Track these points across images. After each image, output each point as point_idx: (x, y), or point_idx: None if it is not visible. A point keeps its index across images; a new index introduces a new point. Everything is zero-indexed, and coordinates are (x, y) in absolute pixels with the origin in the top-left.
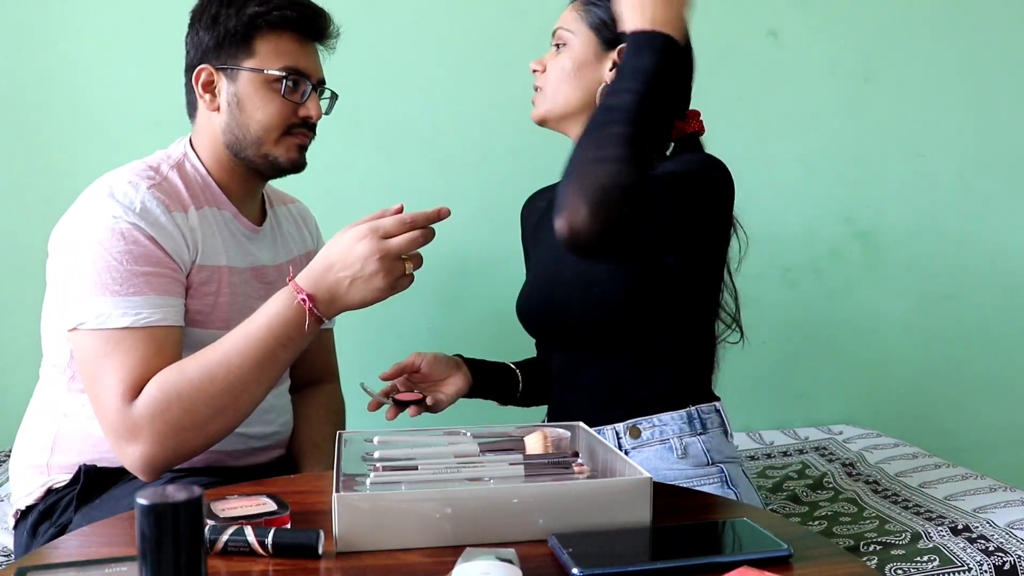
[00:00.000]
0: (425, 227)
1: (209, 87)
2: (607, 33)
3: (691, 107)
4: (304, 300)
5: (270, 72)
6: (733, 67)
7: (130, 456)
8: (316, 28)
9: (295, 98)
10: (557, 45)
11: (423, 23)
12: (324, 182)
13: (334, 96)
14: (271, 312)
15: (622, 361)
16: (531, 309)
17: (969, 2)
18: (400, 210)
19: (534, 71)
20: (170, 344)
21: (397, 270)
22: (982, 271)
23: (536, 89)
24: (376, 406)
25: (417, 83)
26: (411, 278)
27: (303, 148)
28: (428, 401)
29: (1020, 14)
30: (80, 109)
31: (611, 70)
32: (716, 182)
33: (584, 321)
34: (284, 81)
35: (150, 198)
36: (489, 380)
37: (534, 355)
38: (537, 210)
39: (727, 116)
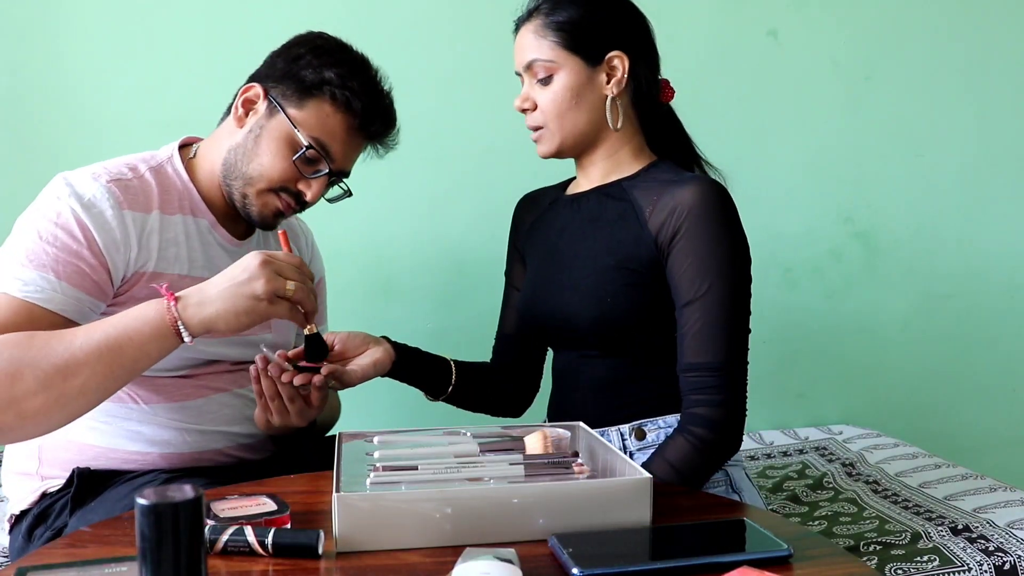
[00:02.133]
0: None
1: (248, 105)
2: (587, 49)
3: (673, 87)
4: (168, 296)
5: (299, 134)
6: (733, 67)
7: None
8: (371, 129)
9: (305, 170)
10: (541, 79)
11: (423, 23)
12: None
13: (347, 193)
14: (135, 311)
15: (627, 362)
16: (536, 311)
17: (969, 2)
18: None
19: (524, 110)
20: (42, 327)
21: (278, 283)
22: (982, 271)
23: (534, 129)
24: (278, 369)
25: (417, 83)
26: (287, 306)
27: (280, 214)
28: (323, 370)
29: (1020, 14)
30: (81, 111)
31: (608, 83)
32: (745, 242)
33: (593, 325)
34: (304, 150)
35: (103, 191)
36: (418, 366)
37: (511, 358)
38: (534, 210)
39: (727, 116)
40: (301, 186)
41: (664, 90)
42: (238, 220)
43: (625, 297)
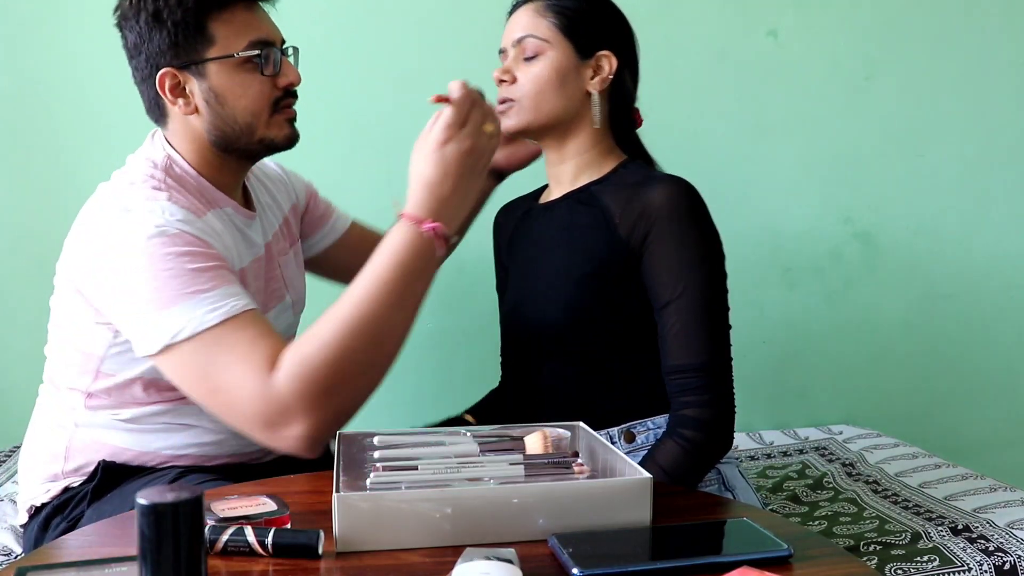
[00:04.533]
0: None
1: (178, 90)
2: (582, 39)
3: (666, 98)
4: (432, 231)
5: (241, 54)
6: (733, 67)
7: (287, 439)
8: None
9: (271, 71)
10: (528, 57)
11: (424, 24)
12: (323, 183)
13: (296, 51)
14: (398, 251)
15: (613, 367)
16: (519, 323)
17: (969, 2)
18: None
19: (501, 81)
20: (269, 324)
21: (486, 143)
22: (982, 271)
23: (504, 101)
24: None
25: (417, 83)
26: (498, 138)
27: (293, 120)
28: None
29: (1020, 14)
30: (82, 109)
31: (592, 79)
32: (717, 240)
33: (575, 335)
34: (259, 57)
35: (175, 208)
36: None
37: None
38: (510, 221)
39: (727, 116)
40: (282, 83)
41: (635, 115)
42: (240, 193)
43: (605, 304)
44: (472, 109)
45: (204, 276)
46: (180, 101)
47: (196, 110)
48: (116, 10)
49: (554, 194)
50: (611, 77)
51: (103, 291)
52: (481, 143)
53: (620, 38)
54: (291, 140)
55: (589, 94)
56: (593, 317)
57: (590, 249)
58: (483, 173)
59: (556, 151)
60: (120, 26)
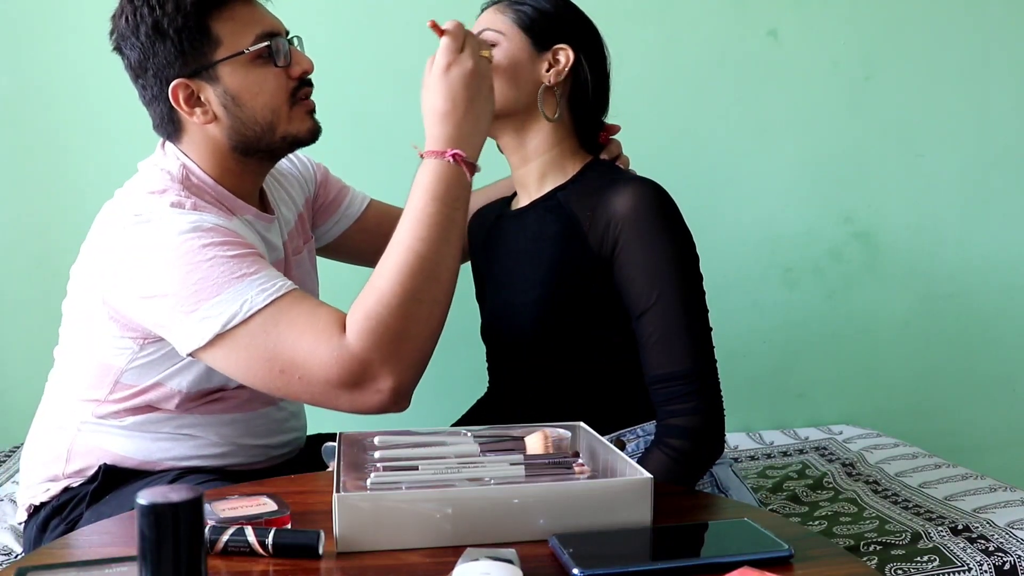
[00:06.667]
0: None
1: (193, 100)
2: (538, 33)
3: (666, 98)
4: (454, 157)
5: (250, 49)
6: (733, 67)
7: (376, 395)
8: None
9: (283, 61)
10: None
11: (423, 22)
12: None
13: (300, 40)
14: (430, 186)
15: (600, 375)
16: (500, 337)
17: (969, 2)
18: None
19: None
20: (318, 299)
21: (486, 66)
22: (982, 271)
23: None
24: None
25: (417, 81)
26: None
27: (313, 111)
28: None
29: (1020, 14)
30: (82, 109)
31: (548, 71)
32: (689, 241)
33: (559, 349)
34: (269, 49)
35: (203, 212)
36: None
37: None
38: (483, 227)
39: (727, 116)
40: (296, 73)
41: (604, 128)
42: (254, 196)
43: (582, 315)
44: (467, 36)
45: (247, 261)
46: (197, 111)
47: (214, 118)
48: (112, 33)
49: (522, 201)
50: (567, 70)
51: (131, 298)
52: (483, 65)
53: (580, 35)
54: (314, 133)
55: (545, 87)
56: (572, 328)
57: (561, 261)
58: (490, 97)
59: (517, 152)
60: (119, 48)
